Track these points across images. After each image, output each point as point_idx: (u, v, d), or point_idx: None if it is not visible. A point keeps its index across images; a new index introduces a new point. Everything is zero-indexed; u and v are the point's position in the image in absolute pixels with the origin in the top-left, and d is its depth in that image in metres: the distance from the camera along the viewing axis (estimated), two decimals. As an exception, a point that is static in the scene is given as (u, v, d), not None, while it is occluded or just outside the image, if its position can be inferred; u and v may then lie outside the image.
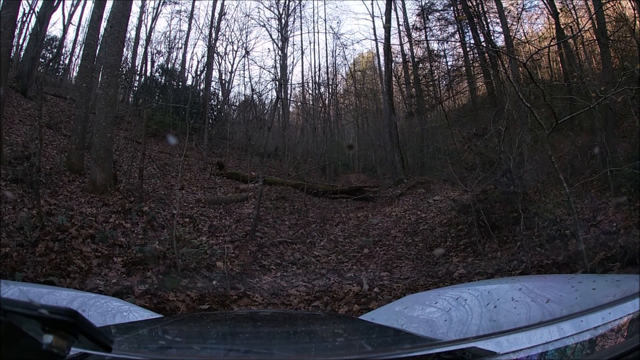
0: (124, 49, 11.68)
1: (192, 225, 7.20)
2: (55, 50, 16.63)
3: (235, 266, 5.45)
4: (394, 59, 16.74)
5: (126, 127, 13.87)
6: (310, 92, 20.53)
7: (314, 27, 20.15)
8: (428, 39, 17.26)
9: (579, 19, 12.27)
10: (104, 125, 8.16)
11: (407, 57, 17.64)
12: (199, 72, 18.42)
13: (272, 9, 19.03)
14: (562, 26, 12.14)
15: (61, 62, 17.64)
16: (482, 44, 14.69)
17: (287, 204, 10.64)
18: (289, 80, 19.50)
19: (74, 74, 17.16)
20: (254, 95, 19.42)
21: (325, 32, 20.68)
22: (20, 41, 14.35)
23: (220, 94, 19.09)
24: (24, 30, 14.58)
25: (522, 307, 1.37)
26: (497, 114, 7.66)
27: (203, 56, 18.78)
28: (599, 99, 5.03)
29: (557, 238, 5.08)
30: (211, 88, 18.16)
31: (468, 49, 15.80)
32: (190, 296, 4.27)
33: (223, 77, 19.06)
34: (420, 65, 17.66)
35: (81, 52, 14.43)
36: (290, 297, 4.77)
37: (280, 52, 18.94)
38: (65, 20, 16.56)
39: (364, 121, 20.15)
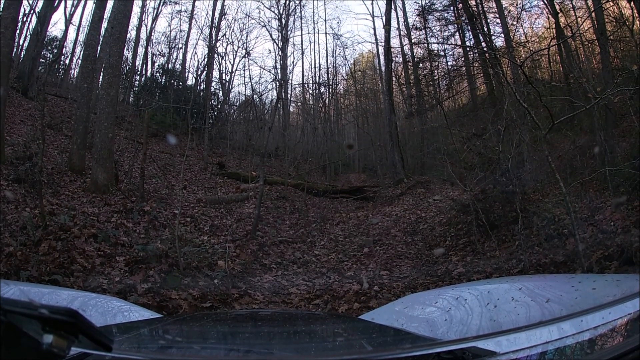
0: (125, 49, 11.67)
1: (193, 224, 7.21)
2: (56, 51, 16.64)
3: (237, 265, 5.46)
4: (394, 58, 16.74)
5: (127, 127, 13.90)
6: (310, 92, 20.55)
7: (314, 27, 20.18)
8: (428, 39, 17.27)
9: (579, 19, 12.27)
10: (106, 125, 8.16)
11: (407, 57, 17.65)
12: (199, 72, 18.44)
13: (272, 9, 19.05)
14: (562, 26, 12.13)
15: (62, 62, 17.67)
16: (482, 44, 14.68)
17: (287, 204, 10.65)
18: (289, 80, 19.52)
19: (75, 74, 17.19)
20: (255, 95, 19.45)
21: (326, 32, 20.73)
22: (21, 41, 14.39)
23: (220, 94, 19.11)
24: (25, 31, 14.62)
25: (522, 306, 1.38)
26: (496, 114, 7.66)
27: (204, 56, 18.83)
28: (596, 99, 5.03)
29: (556, 237, 5.08)
30: (212, 88, 18.19)
31: (468, 49, 15.80)
32: (193, 294, 4.28)
33: (223, 77, 19.08)
34: (420, 65, 17.66)
35: (82, 53, 14.45)
36: (291, 296, 4.78)
37: (280, 52, 18.94)
38: (66, 21, 16.59)
39: (364, 121, 20.15)
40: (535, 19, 15.11)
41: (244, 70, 22.38)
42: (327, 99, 20.32)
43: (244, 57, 18.90)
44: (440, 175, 11.51)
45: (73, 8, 17.03)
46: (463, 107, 16.48)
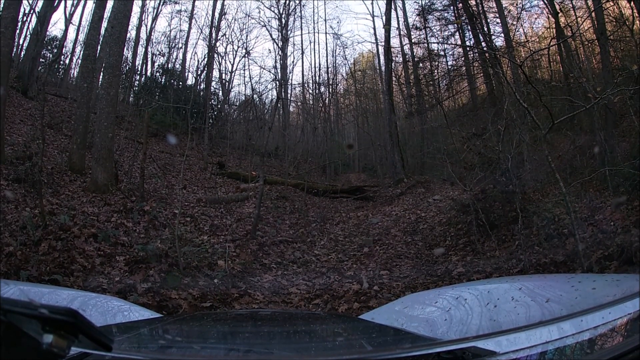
0: (125, 49, 11.67)
1: (193, 224, 7.20)
2: (56, 51, 16.63)
3: (237, 265, 5.45)
4: (394, 58, 16.74)
5: (127, 127, 13.89)
6: (310, 91, 20.55)
7: (314, 27, 20.17)
8: (428, 38, 17.27)
9: (579, 19, 12.26)
10: (105, 125, 8.16)
11: (407, 56, 17.65)
12: (199, 72, 18.44)
13: (272, 8, 19.03)
14: (562, 26, 12.13)
15: (62, 62, 17.66)
16: (482, 44, 14.68)
17: (287, 204, 10.65)
18: (289, 80, 19.52)
19: (75, 74, 17.18)
20: (255, 95, 19.46)
21: (326, 32, 20.68)
22: (21, 41, 14.39)
23: (220, 94, 19.11)
24: (25, 30, 14.62)
25: (522, 306, 1.37)
26: (496, 114, 7.66)
27: (204, 56, 18.83)
28: (596, 99, 5.03)
29: (555, 237, 5.08)
30: (211, 88, 18.18)
31: (468, 49, 15.80)
32: (192, 294, 4.28)
33: (223, 77, 19.08)
34: (420, 65, 17.65)
35: (82, 52, 14.46)
36: (291, 296, 4.78)
37: (280, 51, 18.93)
38: (66, 21, 16.58)
39: (364, 121, 20.16)
40: (535, 18, 15.11)
41: (244, 70, 22.38)
42: (327, 99, 20.33)
43: (244, 56, 18.91)
44: (440, 175, 11.50)
45: (73, 8, 17.03)
46: (463, 107, 16.47)
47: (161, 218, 6.80)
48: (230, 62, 19.12)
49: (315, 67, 21.38)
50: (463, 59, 16.56)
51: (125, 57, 15.28)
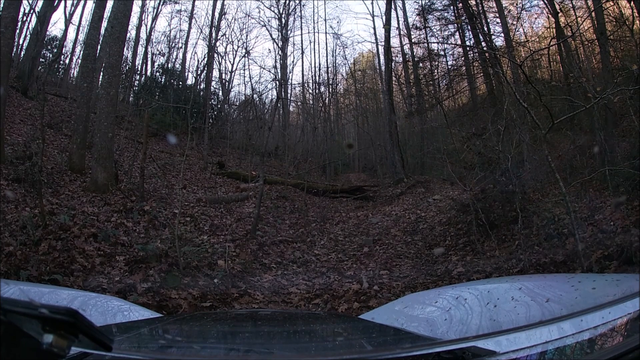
0: (125, 49, 11.66)
1: (193, 224, 7.20)
2: (55, 50, 16.63)
3: (237, 265, 5.45)
4: (394, 58, 16.73)
5: (127, 126, 13.88)
6: (310, 91, 20.53)
7: (314, 27, 20.14)
8: (428, 38, 17.26)
9: (579, 19, 12.26)
10: (105, 125, 8.16)
11: (407, 56, 17.63)
12: (199, 72, 18.43)
13: (272, 8, 19.01)
14: (562, 25, 12.12)
15: (62, 62, 17.66)
16: (482, 44, 14.67)
17: (287, 203, 10.64)
18: (289, 80, 19.50)
19: (75, 73, 17.18)
20: (254, 95, 19.45)
21: (326, 32, 20.64)
22: (21, 41, 14.39)
23: (220, 94, 19.09)
24: (25, 30, 14.62)
25: (522, 306, 1.38)
26: (496, 114, 7.66)
27: (203, 56, 18.84)
28: (596, 99, 5.03)
29: (555, 237, 5.08)
30: (211, 88, 18.17)
31: (468, 49, 15.79)
32: (192, 294, 4.28)
33: (223, 77, 19.06)
34: (420, 64, 17.64)
35: (81, 52, 14.46)
36: (291, 295, 4.78)
37: (280, 51, 18.92)
38: (66, 20, 16.58)
39: (364, 120, 20.14)
40: (535, 18, 15.10)
41: (244, 70, 22.34)
42: (327, 99, 20.31)
43: (244, 56, 18.90)
44: (440, 175, 11.52)
45: (73, 7, 17.01)
46: (463, 107, 16.46)
47: (161, 218, 6.79)
48: (230, 62, 19.12)
49: (315, 67, 21.36)
50: (463, 58, 16.54)
51: (125, 56, 15.29)
